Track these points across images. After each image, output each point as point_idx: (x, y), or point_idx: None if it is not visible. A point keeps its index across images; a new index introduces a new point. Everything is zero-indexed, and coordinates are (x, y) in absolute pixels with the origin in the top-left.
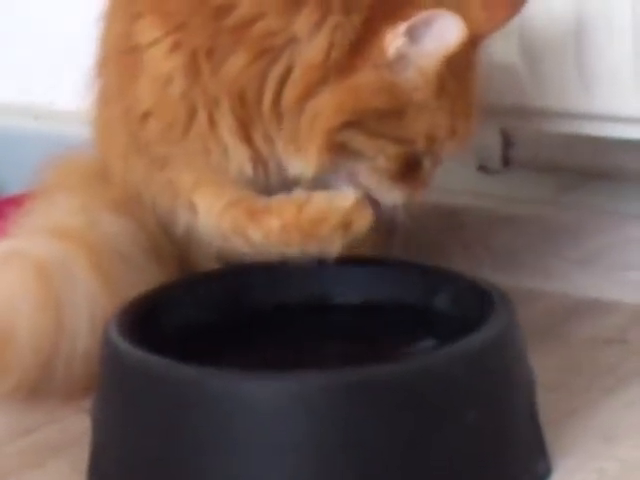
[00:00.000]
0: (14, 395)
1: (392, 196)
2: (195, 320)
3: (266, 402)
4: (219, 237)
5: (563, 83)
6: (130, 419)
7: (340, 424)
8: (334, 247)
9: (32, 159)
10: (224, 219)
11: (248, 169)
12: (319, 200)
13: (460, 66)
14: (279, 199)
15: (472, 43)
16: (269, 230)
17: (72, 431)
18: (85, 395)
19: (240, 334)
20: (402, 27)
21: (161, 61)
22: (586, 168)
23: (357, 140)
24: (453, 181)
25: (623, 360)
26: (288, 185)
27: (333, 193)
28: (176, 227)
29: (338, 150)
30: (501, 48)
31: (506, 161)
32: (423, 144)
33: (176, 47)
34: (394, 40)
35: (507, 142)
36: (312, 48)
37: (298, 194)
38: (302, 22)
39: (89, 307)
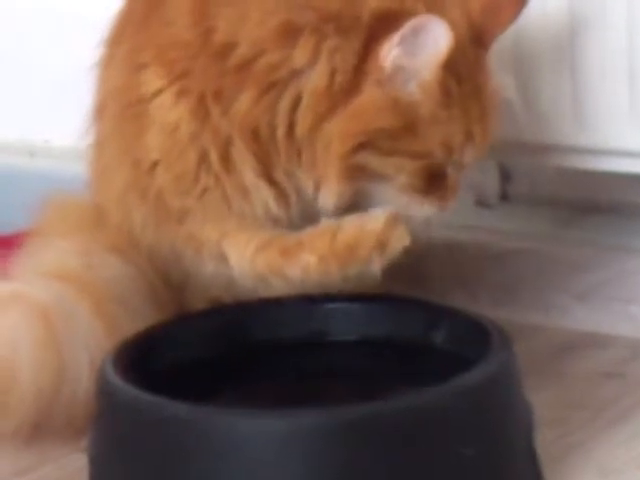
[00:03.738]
0: (15, 435)
1: (423, 211)
2: (191, 358)
3: (262, 440)
4: (257, 281)
5: (559, 117)
6: (124, 457)
7: (337, 462)
8: (376, 267)
9: (28, 197)
10: (258, 263)
11: (273, 207)
12: (350, 225)
13: (467, 70)
14: (309, 232)
15: (478, 44)
16: (306, 265)
17: (68, 470)
18: (85, 435)
19: (236, 372)
20: (395, 38)
21: (168, 110)
22: (584, 202)
23: (373, 161)
24: (450, 215)
25: (622, 394)
26: (310, 216)
27: (363, 215)
28: (199, 274)
29: (357, 174)
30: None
31: (503, 196)
32: (441, 154)
33: (181, 94)
34: (389, 52)
35: (504, 176)
36: (315, 75)
37: (327, 223)
38: (300, 52)
39: (90, 349)
